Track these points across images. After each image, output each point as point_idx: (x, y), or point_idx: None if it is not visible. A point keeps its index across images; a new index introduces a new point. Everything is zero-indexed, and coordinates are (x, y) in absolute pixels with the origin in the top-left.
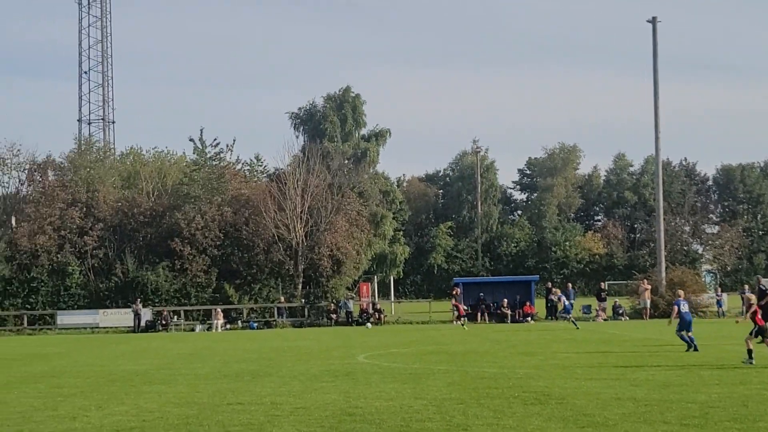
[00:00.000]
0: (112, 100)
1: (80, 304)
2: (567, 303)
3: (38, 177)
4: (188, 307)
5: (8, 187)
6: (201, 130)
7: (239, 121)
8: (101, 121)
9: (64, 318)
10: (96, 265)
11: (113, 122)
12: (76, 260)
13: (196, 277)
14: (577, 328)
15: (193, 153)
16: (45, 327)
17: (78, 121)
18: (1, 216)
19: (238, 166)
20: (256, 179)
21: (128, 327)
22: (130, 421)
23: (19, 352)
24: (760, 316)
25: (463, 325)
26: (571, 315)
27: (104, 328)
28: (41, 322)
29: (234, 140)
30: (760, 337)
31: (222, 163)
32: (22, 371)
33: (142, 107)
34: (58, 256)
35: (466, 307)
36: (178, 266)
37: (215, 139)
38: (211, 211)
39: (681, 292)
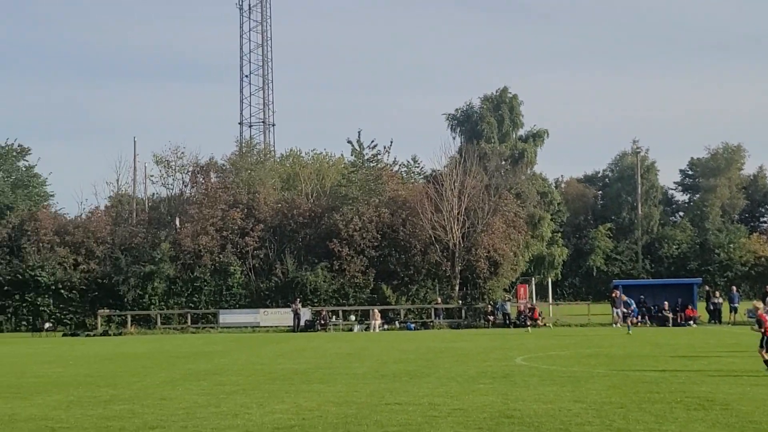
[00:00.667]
0: (272, 103)
1: (241, 304)
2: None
3: (201, 179)
4: (346, 308)
5: (173, 189)
6: (359, 132)
7: (396, 122)
8: (262, 123)
9: (226, 317)
10: (257, 265)
11: (273, 125)
12: (237, 260)
13: (354, 277)
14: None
15: (351, 155)
16: (208, 325)
17: (239, 124)
18: (165, 217)
19: (395, 168)
20: (413, 180)
21: (288, 326)
22: (289, 419)
23: (183, 350)
24: None
25: (628, 328)
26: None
27: (264, 327)
28: (204, 320)
29: (391, 142)
30: None
31: (379, 165)
32: (186, 369)
33: (300, 110)
34: (221, 256)
35: (625, 310)
36: (337, 267)
37: (373, 141)
38: (368, 212)
39: None
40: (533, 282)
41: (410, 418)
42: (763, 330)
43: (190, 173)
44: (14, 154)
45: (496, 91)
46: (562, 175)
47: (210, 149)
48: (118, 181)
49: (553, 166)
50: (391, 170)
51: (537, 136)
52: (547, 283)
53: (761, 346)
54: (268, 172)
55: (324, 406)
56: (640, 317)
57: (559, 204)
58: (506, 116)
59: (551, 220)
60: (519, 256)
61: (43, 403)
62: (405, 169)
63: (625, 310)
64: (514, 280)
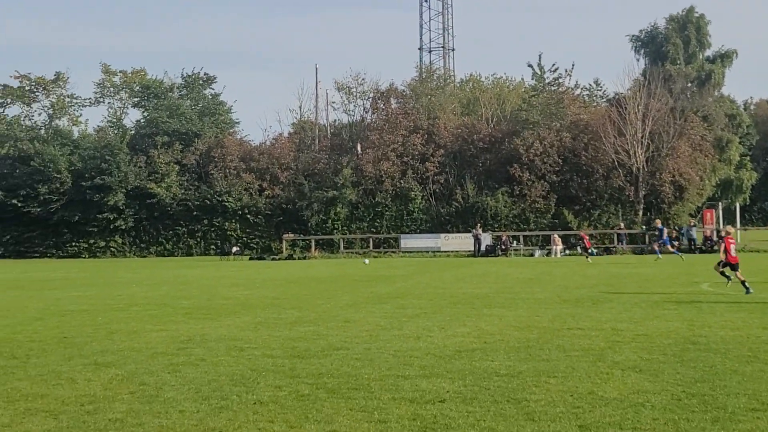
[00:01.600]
0: (452, 27)
1: (422, 229)
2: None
3: (382, 105)
4: (527, 233)
5: (354, 115)
6: (539, 56)
7: (578, 45)
8: (441, 48)
9: (407, 242)
10: (437, 190)
11: (453, 50)
12: (418, 186)
13: (534, 202)
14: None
15: (532, 79)
16: (389, 250)
17: (419, 49)
18: (347, 143)
19: (577, 91)
20: (594, 104)
21: (468, 251)
22: (471, 343)
23: (365, 274)
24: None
25: None
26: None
27: (445, 252)
28: (386, 245)
29: (573, 65)
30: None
31: (560, 89)
32: (368, 292)
33: (480, 34)
34: (401, 181)
35: None
36: (517, 192)
37: (554, 65)
38: (549, 136)
39: None
40: (720, 207)
41: (593, 343)
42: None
43: (370, 99)
44: (200, 82)
45: (683, 11)
46: (751, 97)
47: (390, 75)
48: (300, 107)
49: (742, 87)
50: (573, 94)
51: (725, 57)
52: (735, 208)
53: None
54: (448, 98)
55: (505, 330)
56: None
57: (748, 126)
58: (692, 37)
59: (739, 143)
60: (705, 181)
61: (232, 324)
62: (587, 92)
63: None
64: (700, 205)
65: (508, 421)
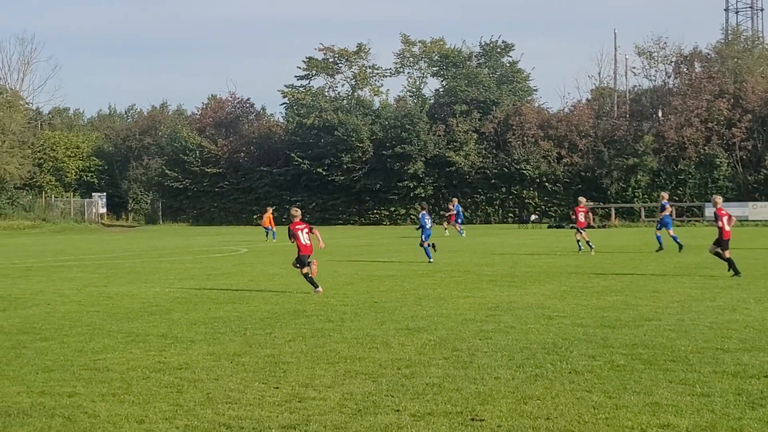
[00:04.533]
0: None
1: (728, 197)
2: None
3: (684, 69)
4: None
5: (655, 80)
6: None
7: None
8: (749, 9)
9: (712, 210)
10: (744, 157)
11: (761, 9)
12: (723, 152)
13: None
14: None
15: None
16: (693, 219)
17: (725, 10)
18: (647, 109)
19: None
20: None
21: None
22: None
23: (671, 243)
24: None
25: None
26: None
27: (753, 221)
28: (689, 213)
29: None
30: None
31: None
32: (675, 262)
33: None
34: (705, 148)
35: None
36: None
37: None
38: None
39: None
40: None
41: None
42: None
43: (673, 64)
44: (498, 50)
45: None
46: None
47: (693, 38)
48: (599, 74)
49: None
50: None
51: None
52: None
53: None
54: (757, 60)
55: None
56: None
57: None
58: None
59: None
60: None
61: (538, 292)
62: None
63: None
64: None
65: None
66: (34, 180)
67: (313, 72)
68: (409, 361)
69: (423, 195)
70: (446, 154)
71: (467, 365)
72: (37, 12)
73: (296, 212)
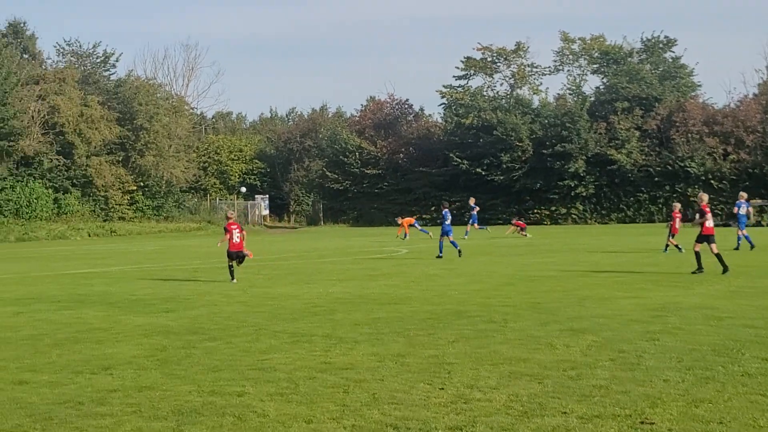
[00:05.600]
0: None
1: None
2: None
3: None
4: None
5: None
6: None
7: None
8: None
9: None
10: None
11: None
12: None
13: None
14: None
15: None
16: None
17: None
18: None
19: None
20: None
21: None
22: None
23: None
24: None
25: None
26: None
27: None
28: None
29: None
30: None
31: None
32: None
33: None
34: None
35: None
36: None
37: None
38: None
39: None
40: None
41: None
42: None
43: None
44: (661, 45)
45: None
46: None
47: None
48: (767, 67)
49: None
50: None
51: None
52: None
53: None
54: None
55: None
56: None
57: None
58: None
59: None
60: None
61: (704, 293)
62: None
63: None
64: None
65: None
66: (199, 183)
67: (472, 71)
68: (574, 362)
69: (584, 194)
70: (607, 152)
71: (634, 367)
72: (200, 19)
73: (231, 215)
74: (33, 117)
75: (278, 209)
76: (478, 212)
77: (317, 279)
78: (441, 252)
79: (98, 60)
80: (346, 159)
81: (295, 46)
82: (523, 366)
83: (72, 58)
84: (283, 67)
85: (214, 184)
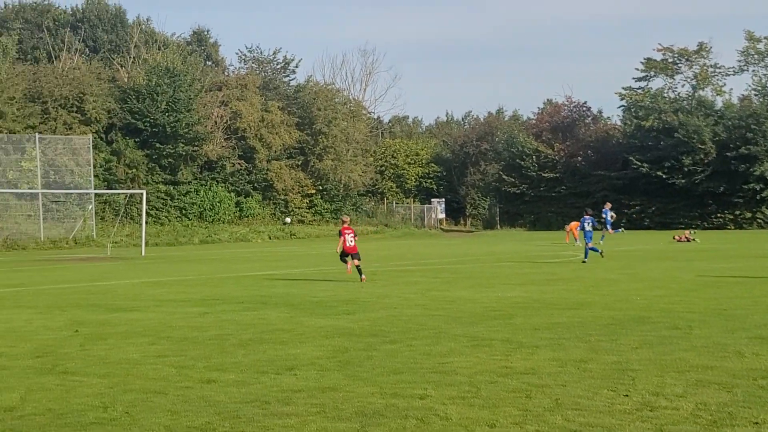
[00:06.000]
0: None
1: None
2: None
3: None
4: None
5: None
6: None
7: None
8: None
9: None
10: None
11: None
12: None
13: None
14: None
15: None
16: None
17: None
18: None
19: None
20: None
21: None
22: None
23: None
24: None
25: None
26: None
27: None
28: None
29: None
30: None
31: None
32: None
33: None
34: None
35: None
36: None
37: None
38: None
39: None
40: None
41: None
42: None
43: None
44: None
45: None
46: None
47: None
48: None
49: None
50: None
51: None
52: None
53: None
54: None
55: None
56: None
57: None
58: None
59: None
60: None
61: None
62: None
63: None
64: None
65: None
66: (376, 187)
67: (652, 73)
68: (764, 371)
69: None
70: None
71: None
72: (377, 24)
73: (346, 219)
74: (216, 122)
75: (454, 213)
76: (611, 217)
77: (495, 283)
78: (586, 256)
79: (278, 66)
80: (522, 162)
81: (471, 49)
82: (711, 374)
83: (253, 65)
84: (458, 71)
85: (391, 187)
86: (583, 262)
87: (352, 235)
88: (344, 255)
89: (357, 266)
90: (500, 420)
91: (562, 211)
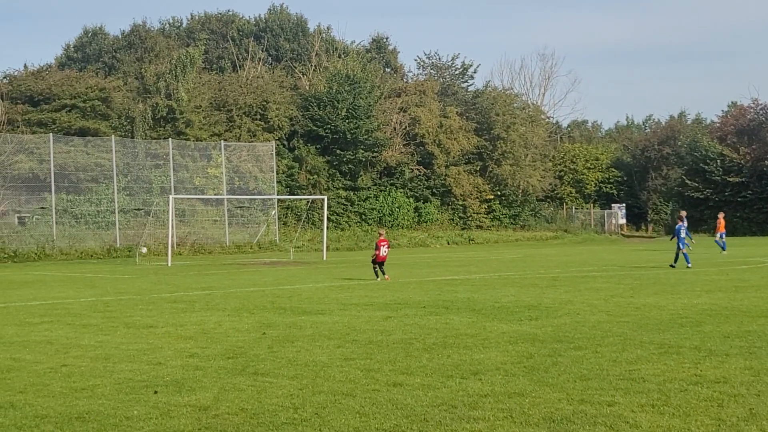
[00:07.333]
0: None
1: None
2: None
3: None
4: None
5: None
6: None
7: None
8: None
9: None
10: None
11: None
12: None
13: None
14: None
15: None
16: None
17: None
18: None
19: None
20: None
21: None
22: None
23: None
24: None
25: None
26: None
27: None
28: None
29: None
30: None
31: None
32: None
33: None
34: None
35: None
36: None
37: None
38: None
39: None
40: None
41: None
42: None
43: None
44: None
45: None
46: None
47: None
48: None
49: None
50: None
51: None
52: None
53: None
54: None
55: None
56: None
57: None
58: None
59: None
60: None
61: None
62: None
63: None
64: None
65: None
66: (555, 192)
67: None
68: None
69: None
70: None
71: None
72: (556, 28)
73: (382, 232)
74: (395, 128)
75: (635, 218)
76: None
77: (681, 289)
78: (688, 262)
79: (456, 72)
80: (706, 167)
81: (651, 52)
82: None
83: (431, 71)
84: (638, 74)
85: (570, 192)
86: (687, 267)
87: (386, 246)
88: (376, 264)
89: (382, 268)
90: (693, 429)
91: (749, 216)
